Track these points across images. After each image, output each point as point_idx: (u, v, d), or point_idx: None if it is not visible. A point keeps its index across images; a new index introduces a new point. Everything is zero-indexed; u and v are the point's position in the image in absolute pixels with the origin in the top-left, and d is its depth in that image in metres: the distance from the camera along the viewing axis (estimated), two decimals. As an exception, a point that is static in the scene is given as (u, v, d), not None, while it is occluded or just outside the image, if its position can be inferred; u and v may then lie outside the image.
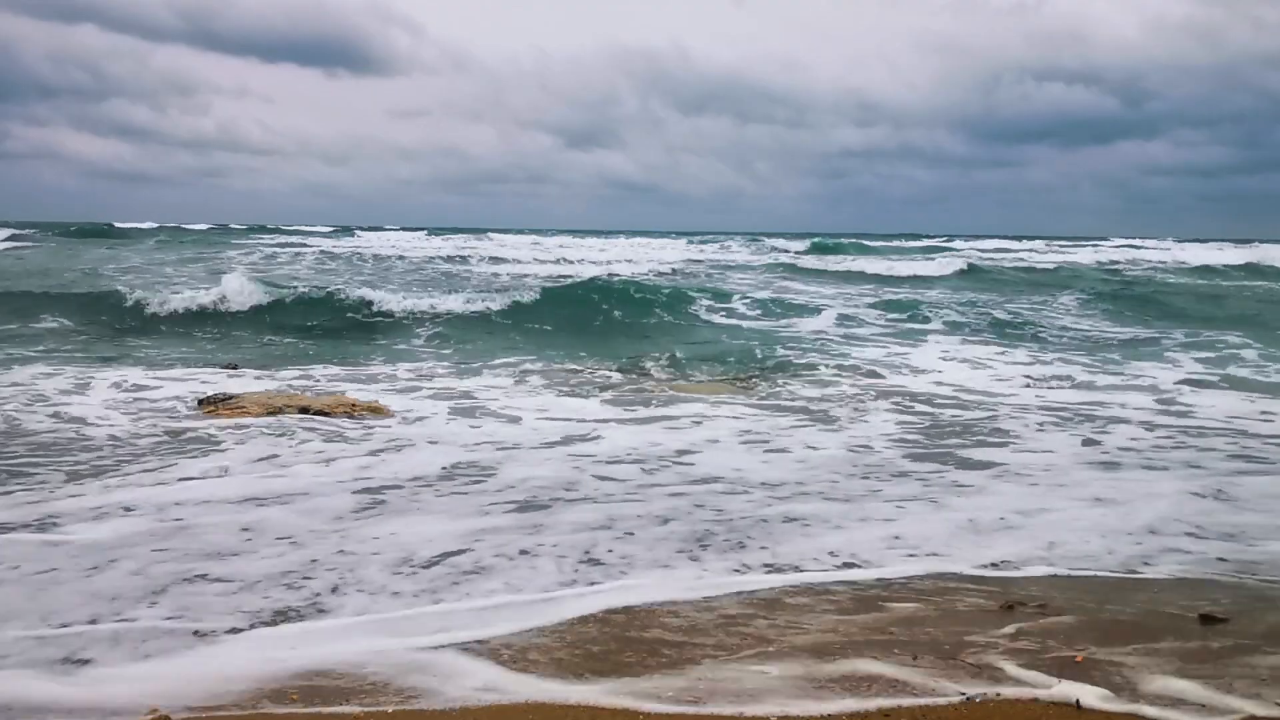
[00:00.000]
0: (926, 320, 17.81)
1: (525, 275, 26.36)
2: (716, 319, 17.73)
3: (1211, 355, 13.54)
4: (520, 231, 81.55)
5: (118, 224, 69.23)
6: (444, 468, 6.68)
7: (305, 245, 44.08)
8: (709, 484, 6.37)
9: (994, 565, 4.83)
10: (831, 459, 7.18)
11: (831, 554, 4.96)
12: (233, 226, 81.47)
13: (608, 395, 9.97)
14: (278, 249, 40.56)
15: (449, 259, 35.22)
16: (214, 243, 46.26)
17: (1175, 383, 11.02)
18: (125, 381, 10.08)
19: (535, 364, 12.28)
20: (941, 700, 3.39)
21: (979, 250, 49.85)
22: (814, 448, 7.56)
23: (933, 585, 4.54)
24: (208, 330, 15.11)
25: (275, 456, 6.90)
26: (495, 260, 34.48)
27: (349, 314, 16.47)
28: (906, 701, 3.37)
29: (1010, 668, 3.64)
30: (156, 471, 6.38)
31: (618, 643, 3.86)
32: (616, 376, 11.36)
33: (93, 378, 10.21)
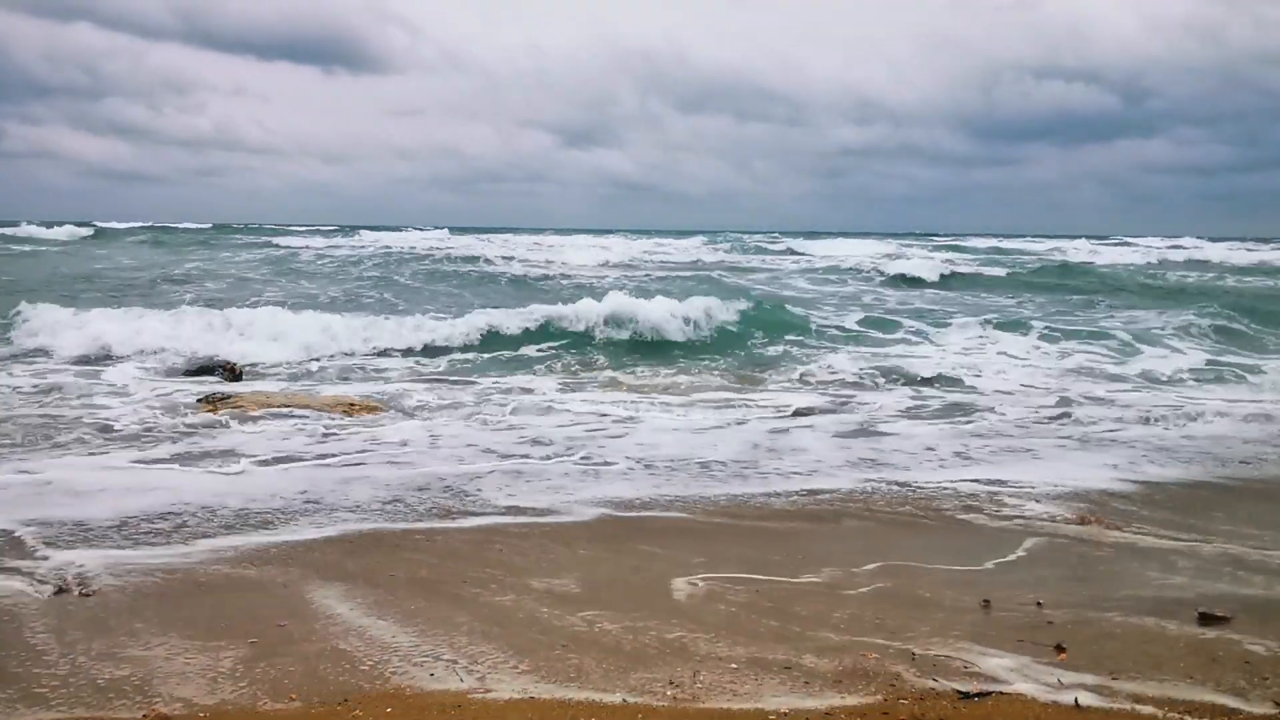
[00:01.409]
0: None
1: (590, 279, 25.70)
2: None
3: None
4: (519, 231, 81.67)
5: (100, 223, 69.37)
6: (330, 447, 7.34)
7: (336, 247, 41.62)
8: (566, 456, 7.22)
9: (618, 504, 5.98)
10: (746, 440, 7.82)
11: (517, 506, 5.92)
12: (235, 225, 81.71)
13: (628, 390, 10.35)
14: (293, 249, 38.87)
15: (512, 262, 32.74)
16: (215, 244, 44.46)
17: None
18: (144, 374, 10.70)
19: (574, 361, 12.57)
20: (940, 698, 3.49)
21: (1036, 251, 48.28)
22: (763, 430, 8.24)
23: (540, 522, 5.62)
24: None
25: (196, 444, 7.40)
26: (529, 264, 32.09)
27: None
28: (906, 699, 3.48)
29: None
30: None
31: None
32: (663, 374, 11.65)
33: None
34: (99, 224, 67.39)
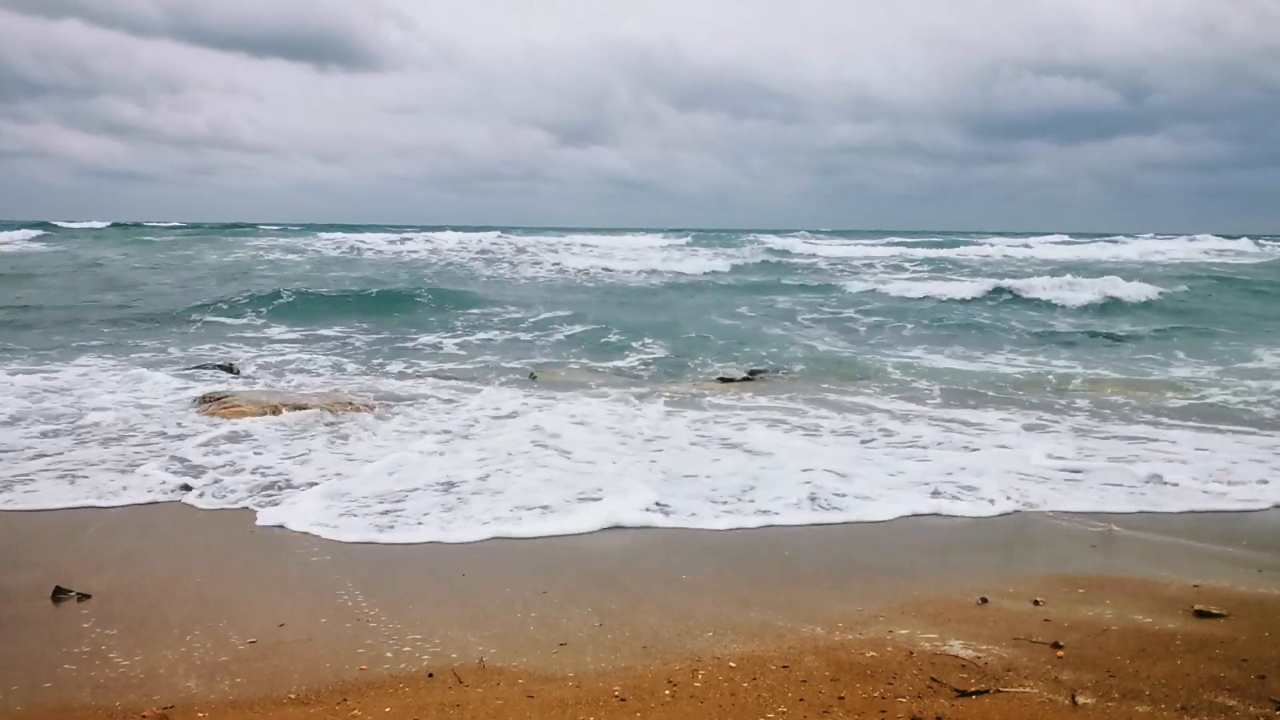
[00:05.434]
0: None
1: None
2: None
3: None
4: (521, 230, 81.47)
5: (59, 223, 69.17)
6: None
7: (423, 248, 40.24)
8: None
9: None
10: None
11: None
12: (255, 225, 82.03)
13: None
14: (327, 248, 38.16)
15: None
16: (226, 245, 43.48)
17: None
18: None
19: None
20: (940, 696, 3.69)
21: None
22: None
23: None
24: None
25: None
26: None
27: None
28: (903, 697, 3.67)
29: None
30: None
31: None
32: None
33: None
34: (61, 224, 67.32)
